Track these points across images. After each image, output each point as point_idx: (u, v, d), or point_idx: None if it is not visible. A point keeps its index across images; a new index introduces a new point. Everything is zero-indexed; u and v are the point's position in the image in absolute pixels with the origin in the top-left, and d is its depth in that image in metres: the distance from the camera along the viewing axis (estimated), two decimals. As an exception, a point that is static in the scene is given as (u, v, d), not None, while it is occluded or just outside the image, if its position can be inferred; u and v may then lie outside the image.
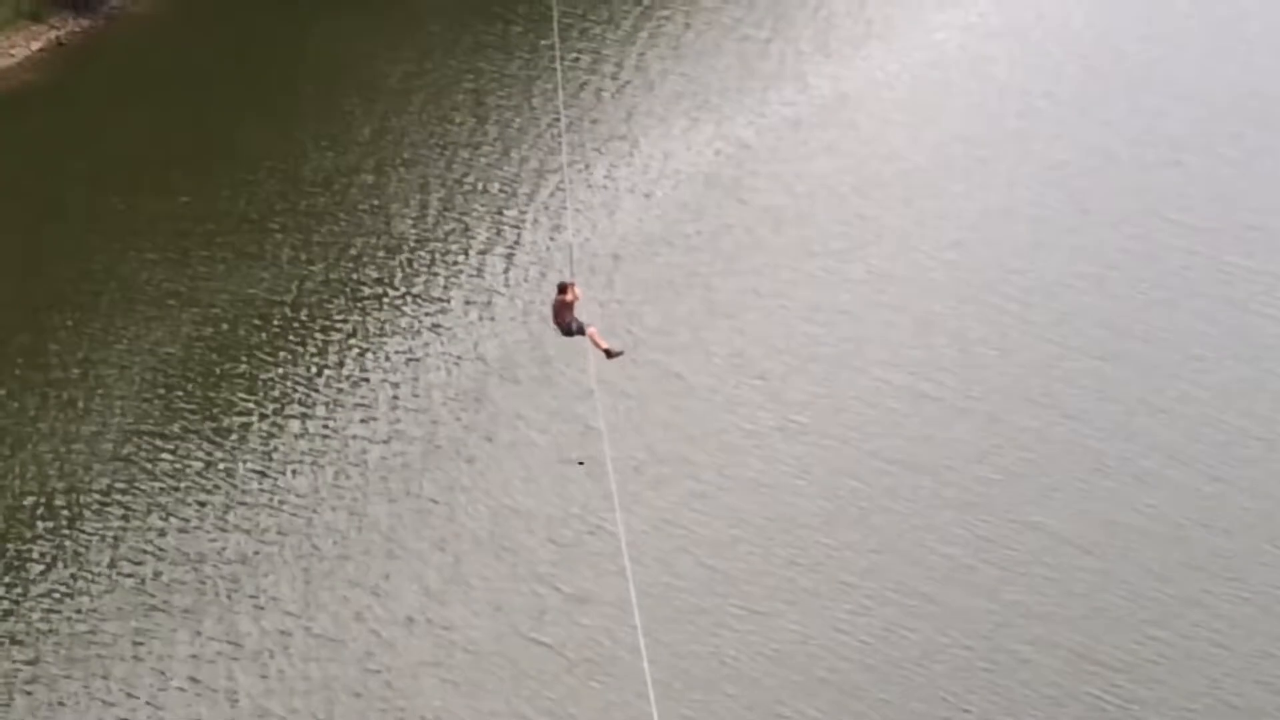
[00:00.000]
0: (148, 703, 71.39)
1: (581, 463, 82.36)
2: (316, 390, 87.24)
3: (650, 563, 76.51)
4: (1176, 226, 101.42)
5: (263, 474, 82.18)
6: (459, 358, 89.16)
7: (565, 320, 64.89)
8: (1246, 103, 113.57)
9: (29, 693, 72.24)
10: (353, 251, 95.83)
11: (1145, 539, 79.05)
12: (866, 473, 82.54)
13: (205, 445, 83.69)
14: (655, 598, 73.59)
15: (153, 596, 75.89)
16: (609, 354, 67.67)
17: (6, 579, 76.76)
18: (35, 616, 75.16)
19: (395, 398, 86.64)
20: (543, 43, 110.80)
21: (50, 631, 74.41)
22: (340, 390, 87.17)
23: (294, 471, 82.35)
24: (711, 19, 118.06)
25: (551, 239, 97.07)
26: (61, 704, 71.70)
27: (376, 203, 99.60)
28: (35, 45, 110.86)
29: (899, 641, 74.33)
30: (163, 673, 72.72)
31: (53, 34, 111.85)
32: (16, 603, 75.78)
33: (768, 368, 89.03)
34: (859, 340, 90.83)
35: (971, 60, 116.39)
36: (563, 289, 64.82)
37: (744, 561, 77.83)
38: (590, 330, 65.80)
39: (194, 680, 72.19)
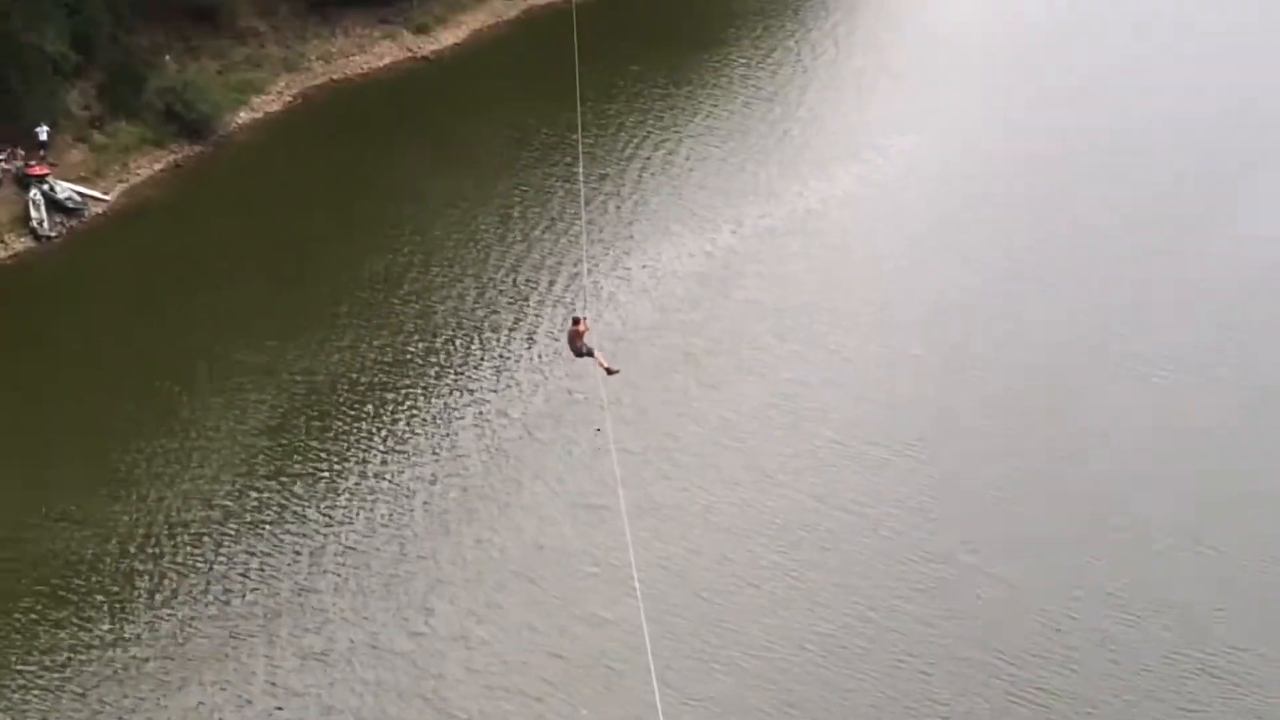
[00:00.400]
0: (235, 696, 71.88)
1: (599, 430, 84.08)
2: (374, 445, 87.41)
3: (655, 590, 75.78)
4: (1109, 311, 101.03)
5: (330, 513, 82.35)
6: (491, 419, 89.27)
7: (578, 346, 68.73)
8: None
9: (139, 684, 72.21)
10: (404, 332, 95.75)
11: (1046, 569, 79.97)
12: (824, 518, 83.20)
13: (284, 490, 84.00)
14: (659, 618, 73.19)
15: (238, 612, 76.43)
16: (609, 371, 71.62)
17: (121, 595, 76.86)
18: (143, 624, 75.28)
19: (438, 451, 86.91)
20: (568, 167, 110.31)
21: (154, 638, 74.38)
22: (394, 445, 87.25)
23: (356, 511, 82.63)
24: (700, 148, 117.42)
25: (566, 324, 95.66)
26: (164, 695, 71.84)
27: (425, 293, 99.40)
28: (157, 166, 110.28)
29: (848, 644, 75.69)
30: (245, 673, 73.18)
31: (171, 157, 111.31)
32: (129, 614, 75.73)
33: (746, 431, 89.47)
34: (822, 410, 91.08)
35: (918, 177, 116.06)
36: (576, 322, 69.34)
37: (730, 585, 78.68)
38: (596, 354, 69.75)
39: (271, 683, 72.78)
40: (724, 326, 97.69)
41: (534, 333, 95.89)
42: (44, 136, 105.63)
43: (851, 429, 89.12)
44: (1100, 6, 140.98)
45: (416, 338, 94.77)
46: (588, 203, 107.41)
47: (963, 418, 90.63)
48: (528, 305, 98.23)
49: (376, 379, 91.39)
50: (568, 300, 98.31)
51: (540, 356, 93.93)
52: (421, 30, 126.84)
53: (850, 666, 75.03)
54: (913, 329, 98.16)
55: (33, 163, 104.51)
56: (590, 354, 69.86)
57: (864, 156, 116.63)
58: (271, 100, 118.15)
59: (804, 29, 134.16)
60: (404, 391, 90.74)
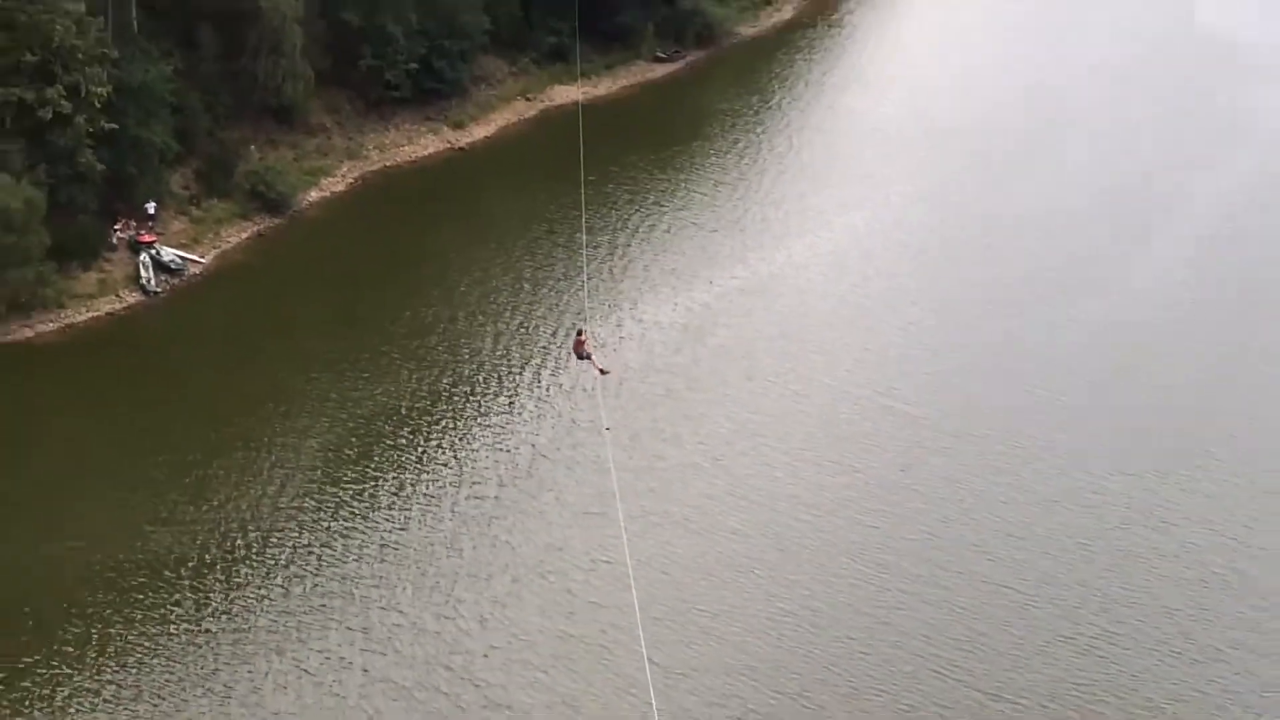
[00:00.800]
0: (304, 671, 72.36)
1: (609, 429, 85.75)
2: (411, 461, 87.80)
3: (647, 580, 76.63)
4: (1016, 342, 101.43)
5: (384, 520, 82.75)
6: (513, 444, 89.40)
7: (580, 352, 74.13)
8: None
9: (217, 653, 72.98)
10: (437, 370, 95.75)
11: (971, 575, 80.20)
12: (787, 523, 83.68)
13: (346, 500, 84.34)
14: (650, 604, 74.06)
15: (309, 600, 77.02)
16: (602, 372, 78.97)
17: (213, 586, 77.55)
18: (235, 610, 75.89)
19: (471, 469, 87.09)
20: (571, 236, 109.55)
21: (244, 625, 75.06)
22: (427, 462, 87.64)
23: (404, 518, 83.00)
24: (679, 222, 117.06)
25: (569, 375, 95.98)
26: (237, 663, 72.53)
27: (454, 339, 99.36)
28: (243, 235, 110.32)
29: (800, 619, 76.58)
30: (316, 650, 73.80)
31: (255, 228, 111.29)
32: (219, 600, 76.43)
33: (721, 453, 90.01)
34: (783, 435, 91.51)
35: (857, 247, 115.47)
36: (579, 334, 75.98)
37: (706, 578, 79.26)
38: (594, 358, 75.83)
39: (324, 655, 73.32)
40: (700, 368, 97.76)
41: (540, 371, 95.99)
42: (151, 211, 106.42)
43: (804, 452, 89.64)
44: (1010, 111, 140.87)
45: (446, 375, 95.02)
46: (588, 264, 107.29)
47: (894, 441, 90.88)
48: (536, 349, 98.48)
49: (415, 407, 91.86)
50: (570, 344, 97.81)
51: (548, 390, 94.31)
52: (458, 126, 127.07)
53: (803, 636, 75.66)
54: (854, 370, 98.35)
55: (142, 232, 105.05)
56: (588, 358, 74.88)
57: (813, 230, 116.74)
58: (336, 182, 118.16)
59: (763, 127, 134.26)
60: (436, 418, 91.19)
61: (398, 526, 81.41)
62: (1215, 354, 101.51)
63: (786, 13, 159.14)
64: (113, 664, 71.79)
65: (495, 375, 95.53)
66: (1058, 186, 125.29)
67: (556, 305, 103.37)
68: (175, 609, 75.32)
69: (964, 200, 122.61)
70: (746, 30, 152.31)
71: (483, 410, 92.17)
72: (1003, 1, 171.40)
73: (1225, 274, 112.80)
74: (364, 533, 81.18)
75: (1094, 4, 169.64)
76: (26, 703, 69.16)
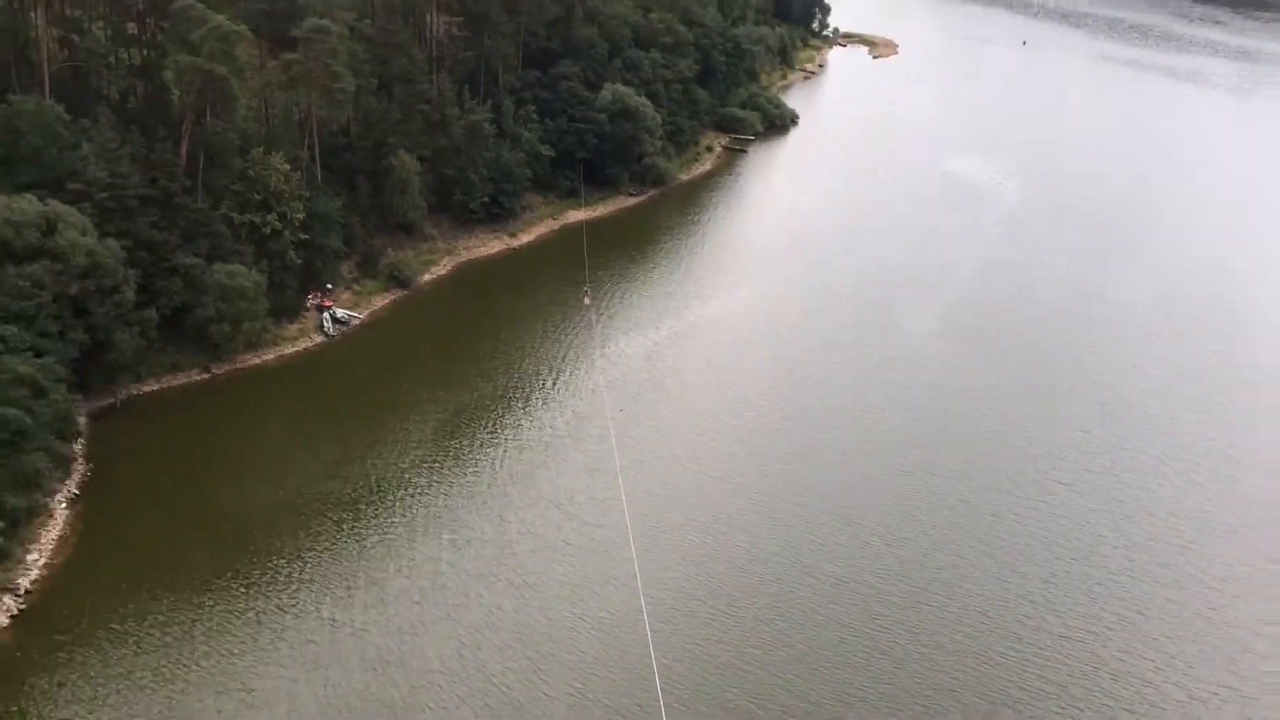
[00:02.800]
0: (427, 557, 71.95)
1: (621, 410, 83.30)
2: (491, 436, 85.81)
3: (635, 505, 75.71)
4: (906, 362, 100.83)
5: (452, 472, 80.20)
6: (540, 423, 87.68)
7: (584, 304, 77.33)
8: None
9: (372, 554, 72.80)
10: (496, 385, 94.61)
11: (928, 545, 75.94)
12: (760, 496, 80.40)
13: (444, 461, 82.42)
14: (649, 575, 70.76)
15: (417, 520, 75.43)
16: (587, 305, 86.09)
17: (365, 513, 76.63)
18: (376, 526, 75.07)
19: (517, 440, 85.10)
20: (581, 299, 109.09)
21: (384, 531, 74.57)
22: (488, 439, 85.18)
23: (474, 474, 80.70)
24: (647, 289, 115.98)
25: (579, 382, 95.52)
26: (391, 556, 72.05)
27: (505, 366, 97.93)
28: (385, 302, 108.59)
29: (760, 548, 73.52)
30: (421, 552, 72.93)
31: (391, 298, 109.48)
32: (366, 522, 75.53)
33: (687, 444, 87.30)
34: (728, 432, 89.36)
35: (784, 298, 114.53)
36: (585, 294, 79.98)
37: (696, 544, 75.13)
38: (587, 301, 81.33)
39: (411, 560, 72.55)
40: (658, 386, 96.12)
41: (558, 380, 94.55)
42: (329, 287, 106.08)
43: (727, 444, 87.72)
44: (838, 228, 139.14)
45: (502, 388, 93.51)
46: (595, 315, 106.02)
47: (799, 433, 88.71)
48: (558, 365, 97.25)
49: (484, 406, 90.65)
50: (582, 369, 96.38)
51: (564, 392, 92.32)
52: (513, 235, 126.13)
53: (760, 560, 72.57)
54: (784, 385, 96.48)
55: (325, 300, 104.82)
56: (588, 304, 77.83)
57: (719, 297, 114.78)
58: (441, 269, 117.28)
59: (692, 236, 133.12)
60: (497, 414, 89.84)
61: (458, 495, 79.15)
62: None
63: (707, 165, 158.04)
64: (305, 559, 71.42)
65: (533, 386, 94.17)
66: (875, 268, 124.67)
67: (569, 341, 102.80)
68: (339, 528, 74.65)
69: (809, 280, 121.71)
70: (683, 176, 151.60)
71: (523, 407, 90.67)
72: (842, 149, 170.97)
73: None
74: (451, 482, 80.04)
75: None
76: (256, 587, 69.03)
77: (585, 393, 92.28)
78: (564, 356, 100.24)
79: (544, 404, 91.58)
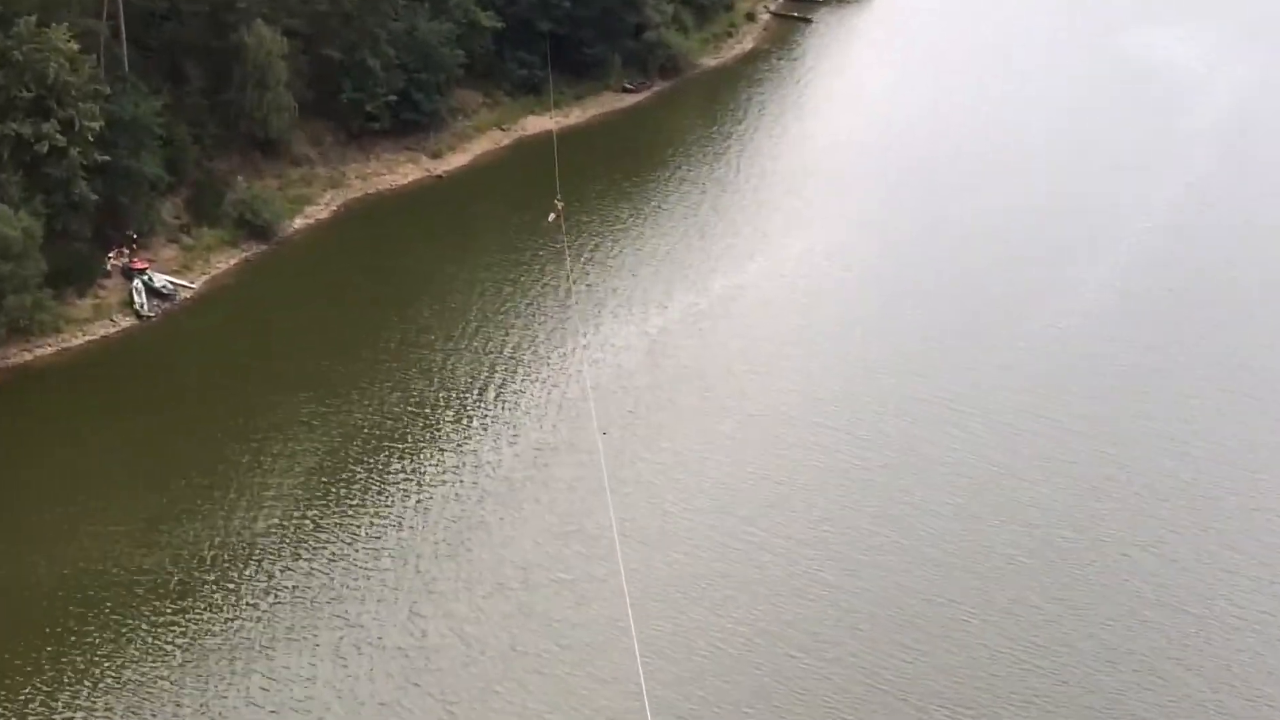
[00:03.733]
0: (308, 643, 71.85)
1: (605, 433, 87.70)
2: (385, 500, 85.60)
3: (634, 552, 78.30)
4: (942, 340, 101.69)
5: (351, 571, 80.00)
6: (473, 483, 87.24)
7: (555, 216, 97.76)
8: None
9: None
10: (418, 390, 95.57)
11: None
12: (749, 514, 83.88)
13: (306, 548, 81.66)
14: (636, 584, 74.89)
15: (300, 589, 76.49)
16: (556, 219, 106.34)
17: (199, 579, 76.83)
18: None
19: (444, 506, 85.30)
20: (553, 258, 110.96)
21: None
22: (405, 503, 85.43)
23: (352, 569, 79.55)
24: (650, 226, 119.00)
25: (543, 392, 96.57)
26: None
27: (438, 358, 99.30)
28: (232, 261, 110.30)
29: (760, 559, 79.37)
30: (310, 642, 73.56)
31: (243, 254, 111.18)
32: (207, 595, 75.98)
33: (687, 457, 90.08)
34: (739, 443, 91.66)
35: (864, 253, 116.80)
36: (556, 206, 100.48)
37: (679, 567, 79.66)
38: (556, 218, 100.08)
39: (336, 617, 73.22)
40: (658, 387, 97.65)
41: (508, 388, 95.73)
42: (138, 237, 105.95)
43: (755, 464, 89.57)
44: (957, 142, 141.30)
45: (418, 401, 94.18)
46: (582, 293, 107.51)
47: (827, 439, 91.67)
48: (505, 372, 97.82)
49: (388, 431, 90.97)
50: (548, 370, 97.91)
51: (518, 408, 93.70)
52: (436, 155, 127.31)
53: (760, 567, 78.37)
54: (805, 393, 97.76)
55: (135, 259, 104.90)
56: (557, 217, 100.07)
57: (764, 253, 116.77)
58: (320, 210, 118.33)
59: (722, 157, 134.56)
60: (410, 443, 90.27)
61: (364, 546, 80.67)
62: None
63: (747, 43, 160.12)
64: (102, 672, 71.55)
65: (466, 391, 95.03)
66: (1010, 208, 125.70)
67: (528, 324, 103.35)
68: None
69: (904, 225, 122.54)
70: (709, 61, 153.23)
71: (478, 420, 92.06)
72: (961, 26, 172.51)
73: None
74: (335, 553, 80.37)
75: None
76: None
77: (552, 409, 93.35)
78: (519, 350, 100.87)
79: (486, 427, 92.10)
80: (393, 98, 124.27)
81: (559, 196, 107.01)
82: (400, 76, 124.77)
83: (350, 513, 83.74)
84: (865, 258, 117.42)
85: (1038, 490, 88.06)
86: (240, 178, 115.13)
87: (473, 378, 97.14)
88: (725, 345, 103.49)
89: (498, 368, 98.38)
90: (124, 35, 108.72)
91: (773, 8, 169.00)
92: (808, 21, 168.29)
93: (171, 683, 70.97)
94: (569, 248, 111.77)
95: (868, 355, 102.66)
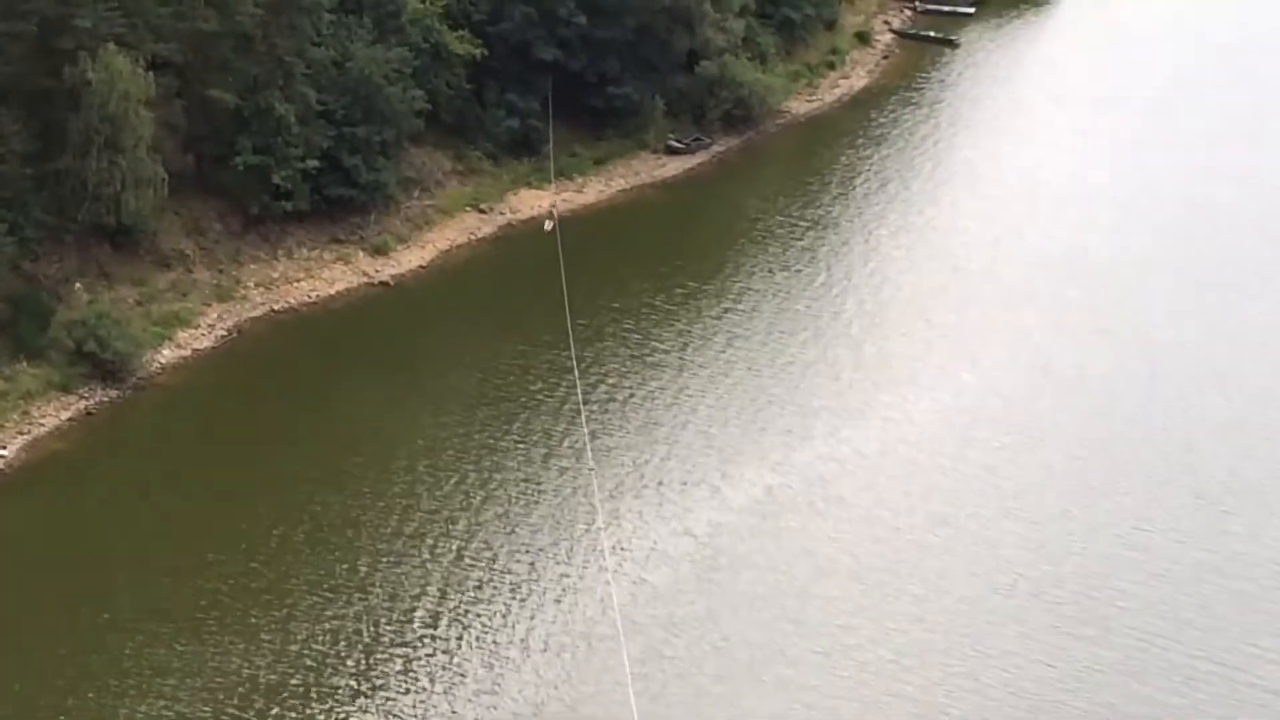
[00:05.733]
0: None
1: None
2: None
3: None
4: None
5: None
6: None
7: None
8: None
9: None
10: (358, 620, 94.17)
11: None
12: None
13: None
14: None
15: None
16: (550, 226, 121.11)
17: None
18: None
19: None
20: (556, 411, 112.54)
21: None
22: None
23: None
24: (705, 362, 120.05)
25: (556, 604, 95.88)
26: None
27: (383, 567, 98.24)
28: (64, 415, 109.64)
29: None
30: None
31: (81, 404, 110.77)
32: None
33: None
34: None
35: (941, 444, 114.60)
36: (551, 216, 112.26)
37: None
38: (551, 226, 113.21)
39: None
40: (718, 616, 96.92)
41: (501, 614, 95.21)
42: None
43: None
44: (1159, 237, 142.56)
45: (358, 627, 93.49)
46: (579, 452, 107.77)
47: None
48: (477, 598, 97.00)
49: (308, 681, 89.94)
50: (546, 596, 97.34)
51: (513, 640, 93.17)
52: (380, 251, 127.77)
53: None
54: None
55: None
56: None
57: (876, 412, 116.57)
58: (201, 335, 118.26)
59: (814, 253, 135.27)
60: (340, 698, 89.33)
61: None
62: None
63: (858, 79, 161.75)
64: None
65: (409, 624, 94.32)
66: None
67: (516, 516, 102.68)
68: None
69: (1092, 377, 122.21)
70: (799, 106, 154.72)
71: (405, 680, 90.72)
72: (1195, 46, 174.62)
73: None
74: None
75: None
76: None
77: (550, 657, 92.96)
78: (495, 559, 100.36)
79: (449, 684, 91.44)
80: (314, 163, 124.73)
81: (553, 205, 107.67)
82: (326, 131, 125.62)
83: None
84: (1033, 421, 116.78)
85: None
86: (78, 286, 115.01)
87: (426, 599, 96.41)
88: (813, 554, 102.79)
89: (470, 585, 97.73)
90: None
91: (896, 24, 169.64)
92: (950, 44, 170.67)
93: None
94: (580, 390, 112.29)
95: (1037, 581, 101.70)
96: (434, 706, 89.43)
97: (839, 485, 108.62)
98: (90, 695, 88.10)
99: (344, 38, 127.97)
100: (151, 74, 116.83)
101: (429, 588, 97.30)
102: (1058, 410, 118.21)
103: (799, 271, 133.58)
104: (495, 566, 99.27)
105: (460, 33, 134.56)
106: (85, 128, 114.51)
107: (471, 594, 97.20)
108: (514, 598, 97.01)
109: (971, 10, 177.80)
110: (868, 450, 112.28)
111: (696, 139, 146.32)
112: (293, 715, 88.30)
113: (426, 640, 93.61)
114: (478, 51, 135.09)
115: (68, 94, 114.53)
